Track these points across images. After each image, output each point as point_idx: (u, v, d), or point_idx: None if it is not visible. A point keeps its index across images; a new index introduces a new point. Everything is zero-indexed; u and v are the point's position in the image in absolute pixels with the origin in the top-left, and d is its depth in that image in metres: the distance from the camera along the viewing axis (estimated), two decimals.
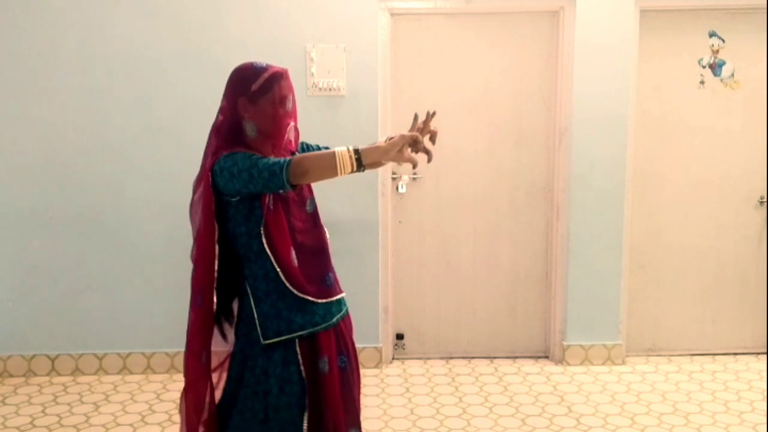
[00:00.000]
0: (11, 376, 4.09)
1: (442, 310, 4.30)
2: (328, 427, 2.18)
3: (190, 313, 2.21)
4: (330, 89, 3.95)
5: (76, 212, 4.02)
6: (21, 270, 4.05)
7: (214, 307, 2.20)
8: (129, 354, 4.12)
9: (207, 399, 2.21)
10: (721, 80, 4.18)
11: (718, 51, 4.15)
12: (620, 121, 4.05)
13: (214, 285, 2.18)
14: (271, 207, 2.14)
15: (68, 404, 3.73)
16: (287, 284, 2.15)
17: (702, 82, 4.18)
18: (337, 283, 2.30)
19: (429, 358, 4.32)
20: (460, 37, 4.12)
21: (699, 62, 4.16)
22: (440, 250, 4.26)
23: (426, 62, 4.10)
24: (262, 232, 2.13)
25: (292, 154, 2.25)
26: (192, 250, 2.23)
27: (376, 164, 2.07)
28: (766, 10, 4.03)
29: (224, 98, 2.20)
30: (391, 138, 2.03)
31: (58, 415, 3.60)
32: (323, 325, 2.20)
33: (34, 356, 4.10)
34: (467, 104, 4.14)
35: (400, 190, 4.14)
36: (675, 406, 3.65)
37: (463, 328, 4.32)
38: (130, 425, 3.49)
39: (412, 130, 2.11)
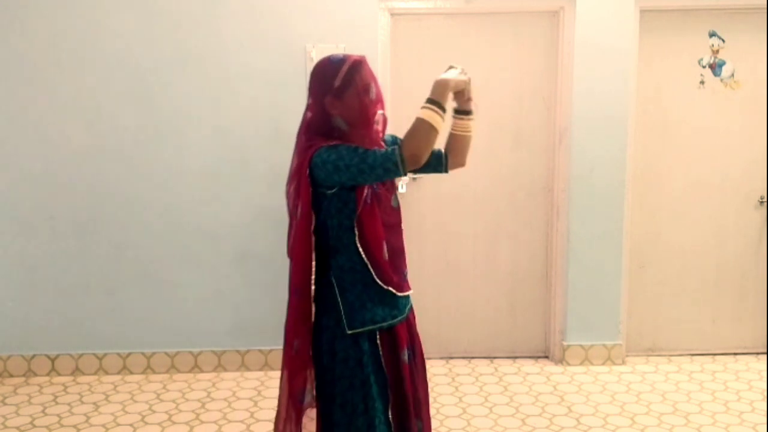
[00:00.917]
0: (11, 376, 4.09)
1: (442, 310, 4.30)
2: (408, 417, 2.22)
3: (288, 305, 2.24)
4: None
5: (76, 212, 4.02)
6: (21, 270, 4.05)
7: (312, 297, 2.24)
8: (129, 354, 4.12)
9: (305, 392, 2.26)
10: (721, 80, 4.18)
11: (718, 51, 4.15)
12: (620, 121, 4.05)
13: (312, 276, 2.22)
14: (368, 201, 2.16)
15: (68, 404, 3.73)
16: (375, 277, 2.17)
17: (702, 82, 4.18)
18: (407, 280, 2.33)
19: (429, 358, 4.25)
20: (460, 37, 4.11)
21: (699, 62, 4.16)
22: (440, 249, 4.26)
23: (426, 62, 4.10)
24: (354, 225, 2.16)
25: (384, 142, 2.28)
26: (288, 243, 2.26)
27: (456, 94, 2.25)
28: (766, 10, 4.03)
29: (310, 96, 2.20)
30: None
31: (58, 415, 3.60)
32: (400, 318, 2.25)
33: (34, 356, 4.10)
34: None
35: (400, 189, 4.14)
36: (675, 406, 3.66)
37: (463, 328, 4.32)
38: (130, 425, 3.49)
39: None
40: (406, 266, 2.31)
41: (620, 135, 4.06)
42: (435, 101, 2.07)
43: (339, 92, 2.13)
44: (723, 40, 4.14)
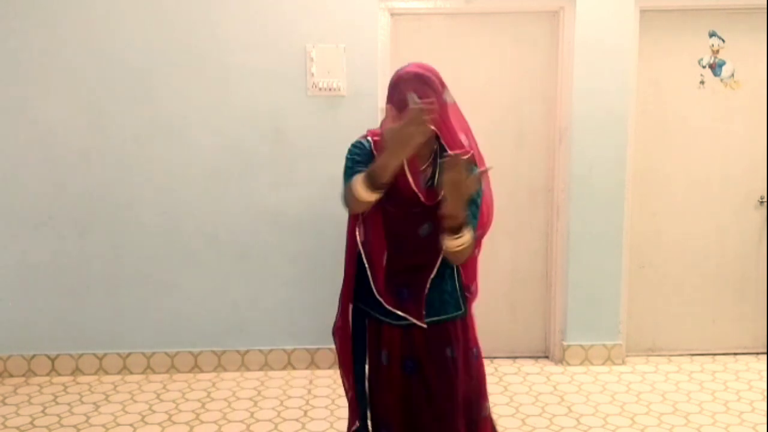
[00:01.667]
0: (11, 376, 4.09)
1: None
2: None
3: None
4: (330, 89, 3.95)
5: (76, 213, 4.02)
6: (21, 270, 4.05)
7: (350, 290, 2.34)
8: (129, 354, 4.12)
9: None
10: (721, 80, 4.18)
11: (718, 51, 4.15)
12: (620, 121, 4.05)
13: (353, 270, 2.31)
14: (372, 213, 2.19)
15: (68, 404, 3.73)
16: (369, 277, 2.25)
17: (702, 82, 4.18)
18: (420, 305, 2.24)
19: None
20: (460, 37, 4.11)
21: (699, 62, 4.16)
22: None
23: (426, 62, 4.09)
24: (361, 222, 2.25)
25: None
26: None
27: (395, 168, 1.99)
28: (766, 10, 4.03)
29: (438, 92, 2.20)
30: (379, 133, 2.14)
31: (58, 415, 3.60)
32: (389, 322, 2.26)
33: (34, 356, 4.10)
34: (467, 104, 4.07)
35: None
36: (675, 406, 3.66)
37: None
38: (130, 425, 3.49)
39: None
40: (417, 294, 2.23)
41: (620, 135, 4.06)
42: (371, 176, 1.99)
43: (389, 104, 2.18)
44: (723, 40, 4.14)
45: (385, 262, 2.22)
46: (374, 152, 2.14)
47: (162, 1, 3.90)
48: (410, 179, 2.13)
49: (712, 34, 4.14)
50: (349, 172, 2.12)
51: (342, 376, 2.42)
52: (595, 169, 4.07)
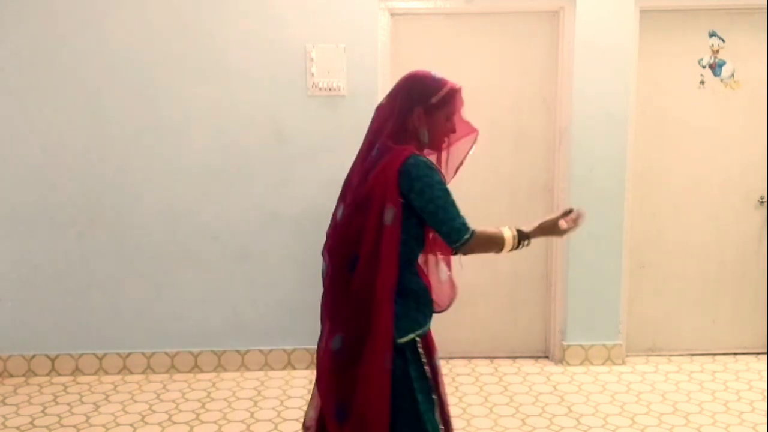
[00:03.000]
0: (11, 376, 4.09)
1: None
2: (447, 421, 2.26)
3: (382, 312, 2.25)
4: (330, 89, 3.95)
5: (76, 212, 4.02)
6: (21, 270, 4.05)
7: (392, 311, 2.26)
8: (129, 354, 4.12)
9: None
10: (721, 80, 4.18)
11: (718, 51, 4.15)
12: (620, 121, 4.05)
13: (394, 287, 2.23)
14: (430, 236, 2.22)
15: (68, 404, 3.73)
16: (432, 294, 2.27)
17: (702, 82, 4.18)
18: None
19: None
20: (460, 37, 4.11)
21: (699, 62, 4.16)
22: None
23: (426, 62, 4.04)
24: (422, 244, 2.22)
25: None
26: (345, 241, 2.25)
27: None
28: (766, 10, 4.03)
29: (394, 100, 2.18)
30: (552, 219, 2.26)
31: (58, 415, 3.60)
32: (430, 323, 2.29)
33: (34, 356, 4.10)
34: (467, 104, 4.10)
35: None
36: (675, 406, 3.65)
37: (463, 328, 4.32)
38: (130, 425, 3.49)
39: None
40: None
41: (620, 135, 4.06)
42: (526, 237, 2.21)
43: (431, 109, 2.15)
44: (723, 40, 4.14)
45: (445, 272, 2.35)
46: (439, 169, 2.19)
47: (162, 2, 3.90)
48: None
49: (712, 34, 4.14)
50: (450, 203, 2.11)
51: None
52: (595, 169, 4.07)
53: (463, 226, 2.12)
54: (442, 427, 2.21)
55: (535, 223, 2.24)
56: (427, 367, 2.20)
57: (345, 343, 2.15)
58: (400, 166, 2.06)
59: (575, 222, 2.26)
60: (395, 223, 2.07)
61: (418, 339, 2.19)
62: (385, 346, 2.09)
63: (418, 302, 2.20)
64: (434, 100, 2.14)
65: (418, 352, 2.19)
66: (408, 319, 2.16)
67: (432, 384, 2.21)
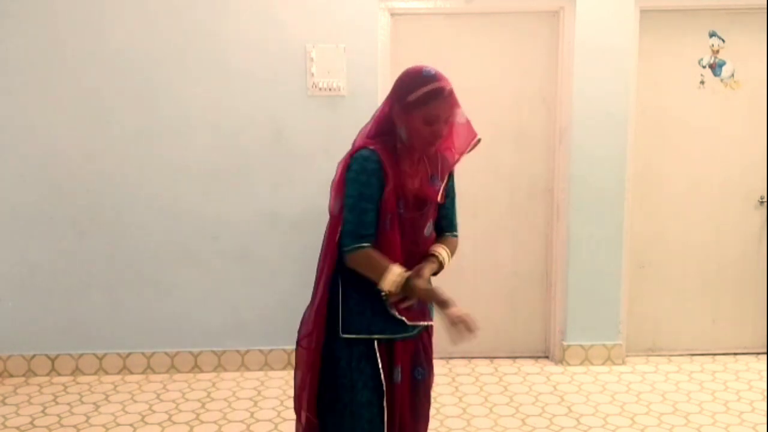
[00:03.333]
0: (11, 376, 4.09)
1: None
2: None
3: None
4: (330, 89, 3.95)
5: (76, 212, 4.02)
6: (21, 270, 4.05)
7: (324, 295, 2.21)
8: (129, 354, 4.12)
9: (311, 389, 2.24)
10: (721, 80, 4.18)
11: (718, 51, 4.15)
12: (620, 121, 4.05)
13: (329, 272, 2.18)
14: (388, 226, 2.11)
15: (68, 404, 3.73)
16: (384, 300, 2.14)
17: (702, 82, 4.18)
18: (430, 309, 2.25)
19: None
20: (460, 37, 4.11)
21: (699, 62, 4.16)
22: None
23: (426, 62, 4.04)
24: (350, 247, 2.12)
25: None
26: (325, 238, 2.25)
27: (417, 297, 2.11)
28: (766, 10, 4.03)
29: (389, 94, 2.16)
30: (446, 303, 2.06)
31: (58, 415, 3.60)
32: (402, 335, 2.20)
33: (34, 356, 4.10)
34: (467, 104, 4.07)
35: None
36: (675, 406, 3.65)
37: None
38: (130, 425, 3.49)
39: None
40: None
41: (620, 135, 4.06)
42: (408, 285, 2.06)
43: (408, 107, 2.06)
44: (723, 40, 4.14)
45: None
46: (384, 169, 2.07)
47: (162, 2, 3.90)
48: (421, 185, 2.16)
49: (712, 34, 4.14)
50: (357, 210, 2.06)
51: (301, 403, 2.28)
52: (595, 169, 4.07)
53: (352, 235, 2.06)
54: None
55: (433, 286, 2.12)
56: (381, 369, 2.16)
57: (302, 318, 2.28)
58: (349, 159, 2.10)
59: (464, 325, 2.05)
60: (339, 214, 2.12)
61: (377, 341, 2.17)
62: (313, 328, 2.19)
63: (373, 307, 2.15)
64: (410, 98, 2.04)
65: (375, 353, 2.16)
66: (361, 318, 2.16)
67: (383, 392, 2.16)
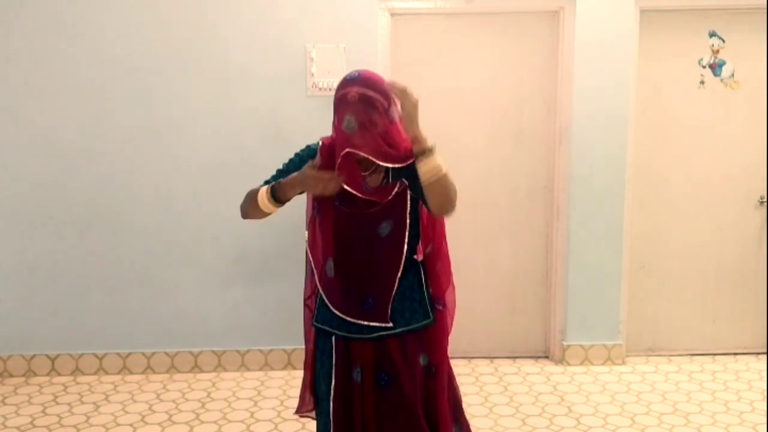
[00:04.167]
0: (11, 376, 4.09)
1: None
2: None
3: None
4: (330, 89, 3.94)
5: (76, 212, 4.02)
6: (21, 270, 4.05)
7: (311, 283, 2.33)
8: (129, 354, 4.12)
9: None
10: (721, 80, 4.18)
11: (718, 51, 4.15)
12: (620, 120, 4.05)
13: (311, 263, 2.29)
14: (317, 215, 2.22)
15: (68, 404, 3.73)
16: (320, 290, 2.25)
17: (702, 82, 4.18)
18: (385, 311, 2.17)
19: None
20: (460, 37, 4.11)
21: (699, 62, 4.16)
22: None
23: (426, 62, 4.10)
24: (306, 231, 2.24)
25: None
26: None
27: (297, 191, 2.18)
28: (766, 10, 4.03)
29: None
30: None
31: (58, 415, 3.60)
32: (357, 337, 2.19)
33: (34, 356, 4.10)
34: (467, 104, 4.13)
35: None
36: (675, 406, 3.66)
37: (463, 328, 4.29)
38: (130, 425, 3.49)
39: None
40: (375, 294, 2.17)
41: (620, 135, 4.06)
42: (276, 193, 2.16)
43: (333, 108, 2.17)
44: (723, 40, 4.14)
45: (332, 269, 2.18)
46: (314, 157, 2.19)
47: (161, 2, 3.90)
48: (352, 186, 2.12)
49: (712, 34, 4.14)
50: (269, 179, 2.26)
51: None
52: (595, 169, 4.07)
53: (266, 184, 2.23)
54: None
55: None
56: (335, 362, 2.20)
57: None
58: None
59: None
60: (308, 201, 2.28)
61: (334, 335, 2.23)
62: (306, 306, 2.37)
63: (321, 299, 2.26)
64: (334, 99, 2.17)
65: (331, 346, 2.23)
66: (326, 311, 2.24)
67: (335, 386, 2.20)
